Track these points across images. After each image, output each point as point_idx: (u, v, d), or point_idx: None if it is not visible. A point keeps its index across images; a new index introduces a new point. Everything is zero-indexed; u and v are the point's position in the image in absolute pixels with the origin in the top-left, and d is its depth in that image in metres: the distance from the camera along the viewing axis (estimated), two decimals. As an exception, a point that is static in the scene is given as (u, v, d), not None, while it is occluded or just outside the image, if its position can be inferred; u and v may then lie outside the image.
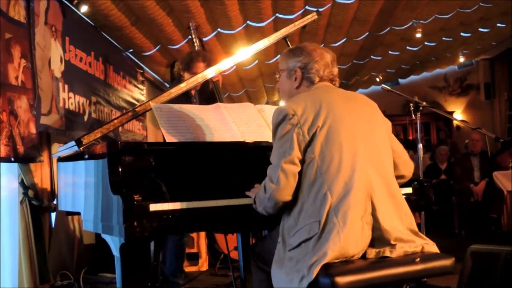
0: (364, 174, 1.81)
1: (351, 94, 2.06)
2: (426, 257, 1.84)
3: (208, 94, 3.76)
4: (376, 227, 1.79)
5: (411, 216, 1.92)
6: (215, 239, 4.81)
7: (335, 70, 2.07)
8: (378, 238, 1.80)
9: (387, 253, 1.79)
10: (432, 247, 1.90)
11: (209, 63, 3.50)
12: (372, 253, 1.79)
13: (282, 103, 2.35)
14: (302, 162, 1.83)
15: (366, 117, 1.97)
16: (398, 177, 2.05)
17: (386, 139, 2.01)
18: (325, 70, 2.03)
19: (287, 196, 1.84)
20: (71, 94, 4.12)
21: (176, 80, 3.60)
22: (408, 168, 2.10)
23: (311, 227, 1.76)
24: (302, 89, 2.05)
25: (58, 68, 3.91)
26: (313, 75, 2.02)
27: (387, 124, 2.06)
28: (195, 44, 3.98)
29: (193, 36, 4.00)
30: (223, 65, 2.87)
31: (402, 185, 2.01)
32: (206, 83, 3.69)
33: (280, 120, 1.87)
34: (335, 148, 1.81)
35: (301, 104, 1.88)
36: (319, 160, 1.80)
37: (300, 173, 1.84)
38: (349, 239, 1.72)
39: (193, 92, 3.61)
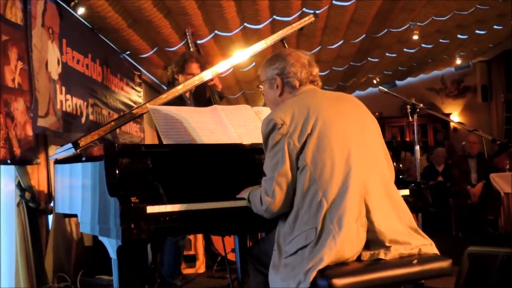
0: (358, 177, 1.81)
1: (338, 95, 2.05)
2: (424, 259, 1.84)
3: (204, 99, 3.78)
4: (371, 229, 1.79)
5: (409, 214, 1.92)
6: (211, 241, 4.81)
7: (314, 71, 2.05)
8: (373, 240, 1.79)
9: (382, 255, 1.78)
10: (430, 247, 1.89)
11: (203, 65, 3.53)
12: (366, 255, 1.78)
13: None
14: (296, 170, 1.83)
15: (356, 118, 1.96)
16: None
17: (379, 138, 2.01)
18: (302, 72, 2.01)
19: (285, 208, 1.85)
20: (68, 96, 4.12)
21: (170, 84, 3.61)
22: (393, 173, 2.09)
23: (307, 234, 1.75)
24: (286, 96, 2.04)
25: (55, 70, 3.91)
26: (292, 79, 2.01)
27: (376, 122, 2.05)
28: (191, 50, 4.03)
29: (189, 41, 4.05)
30: (220, 67, 2.87)
31: (399, 187, 2.00)
32: (202, 89, 3.70)
33: (269, 131, 1.86)
34: (327, 153, 1.80)
35: (288, 112, 1.86)
36: (312, 167, 1.79)
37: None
38: (344, 243, 1.72)
39: (187, 94, 3.61)
